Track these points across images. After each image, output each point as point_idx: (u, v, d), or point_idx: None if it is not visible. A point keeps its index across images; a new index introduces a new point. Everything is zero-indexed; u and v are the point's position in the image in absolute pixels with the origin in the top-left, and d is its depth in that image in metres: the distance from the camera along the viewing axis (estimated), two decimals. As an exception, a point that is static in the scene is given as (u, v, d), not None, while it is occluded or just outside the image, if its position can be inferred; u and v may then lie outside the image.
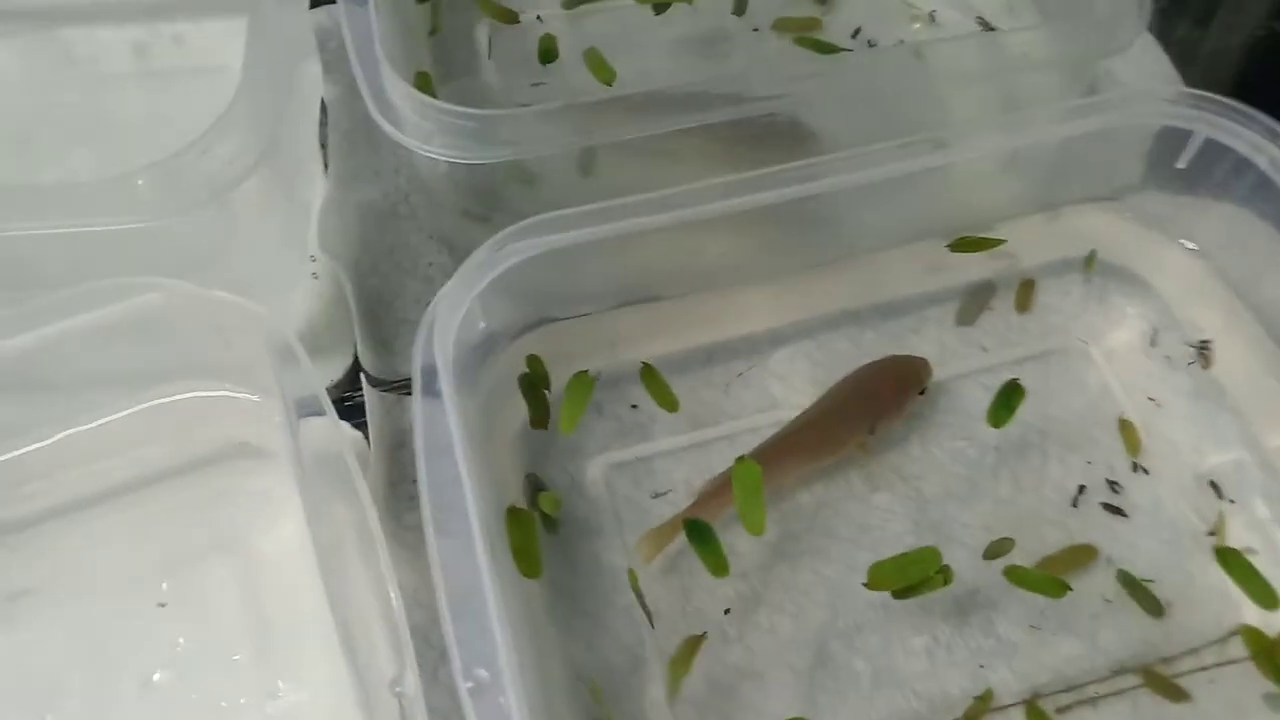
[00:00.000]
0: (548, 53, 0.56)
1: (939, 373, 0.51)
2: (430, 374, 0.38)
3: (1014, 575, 0.44)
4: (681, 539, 0.44)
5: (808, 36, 0.60)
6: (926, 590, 0.42)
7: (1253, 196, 0.47)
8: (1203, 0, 0.65)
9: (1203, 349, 0.49)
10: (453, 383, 0.38)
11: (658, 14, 0.58)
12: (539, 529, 0.43)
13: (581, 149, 0.45)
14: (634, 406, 0.50)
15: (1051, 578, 0.44)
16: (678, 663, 0.42)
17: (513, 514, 0.42)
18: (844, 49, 0.60)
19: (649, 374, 0.48)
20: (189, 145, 0.44)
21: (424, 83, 0.53)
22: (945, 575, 0.42)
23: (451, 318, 0.39)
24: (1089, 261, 0.53)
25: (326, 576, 0.34)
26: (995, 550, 0.45)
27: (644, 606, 0.43)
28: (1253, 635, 0.43)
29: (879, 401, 0.48)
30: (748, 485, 0.42)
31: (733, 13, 0.61)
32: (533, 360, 0.47)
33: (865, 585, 0.43)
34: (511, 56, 0.60)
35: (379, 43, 0.46)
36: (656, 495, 0.47)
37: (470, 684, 0.33)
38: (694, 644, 0.43)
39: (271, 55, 0.48)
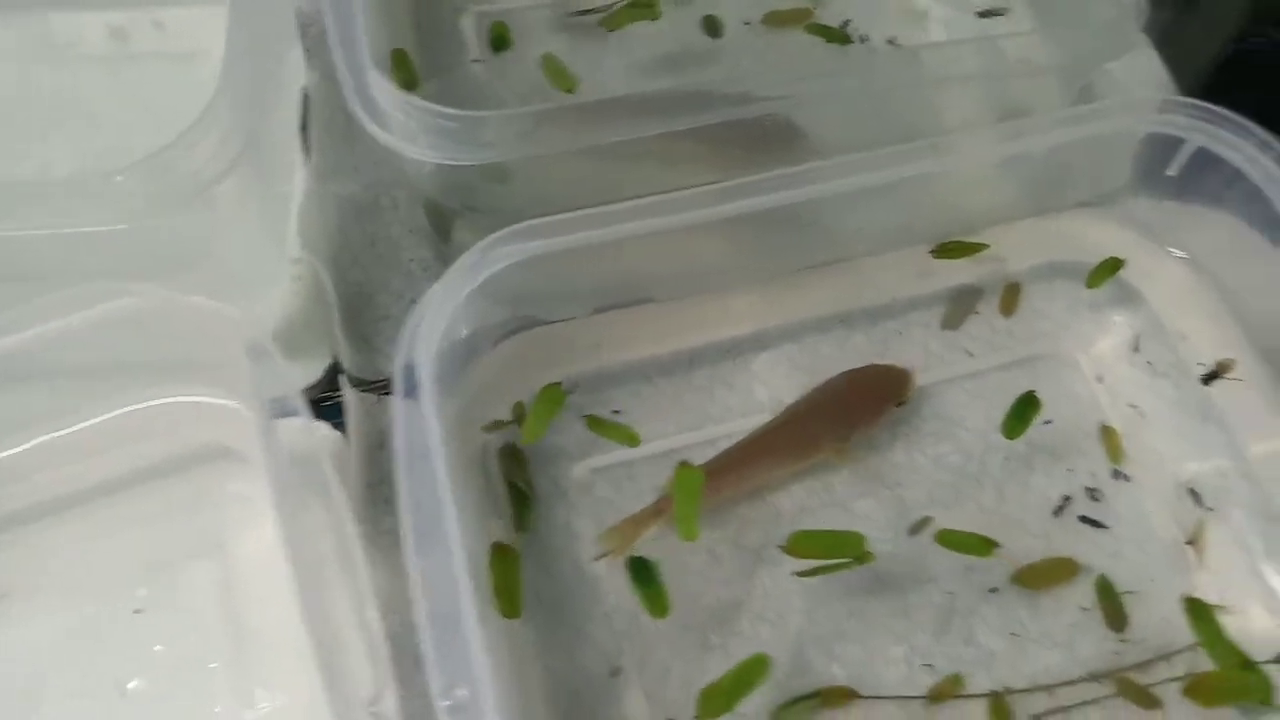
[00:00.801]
0: (500, 39, 0.55)
1: (924, 377, 0.51)
2: (411, 380, 0.38)
3: (944, 538, 0.45)
4: (655, 540, 0.44)
5: (815, 24, 0.60)
6: (839, 569, 0.43)
7: (1244, 207, 0.47)
8: (1201, 7, 0.65)
9: (1219, 370, 0.48)
10: (434, 390, 0.38)
11: (610, 31, 0.56)
12: (521, 565, 0.43)
13: (569, 152, 0.45)
14: (616, 411, 0.50)
15: (980, 538, 0.45)
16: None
17: (498, 551, 0.41)
18: (850, 40, 0.60)
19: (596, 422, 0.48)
20: (171, 142, 0.43)
21: (407, 76, 0.52)
22: (863, 558, 0.43)
23: (435, 321, 0.39)
24: (1098, 274, 0.51)
25: (301, 589, 0.34)
26: (917, 526, 0.47)
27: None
28: (1228, 651, 0.43)
29: (856, 410, 0.48)
30: (686, 490, 0.42)
31: (705, 32, 0.59)
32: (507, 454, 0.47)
33: (781, 548, 0.43)
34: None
35: (364, 40, 0.45)
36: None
37: (448, 703, 0.32)
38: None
39: (254, 44, 0.47)
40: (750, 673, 0.39)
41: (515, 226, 0.41)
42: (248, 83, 0.45)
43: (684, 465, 0.43)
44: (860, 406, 0.48)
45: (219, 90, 0.43)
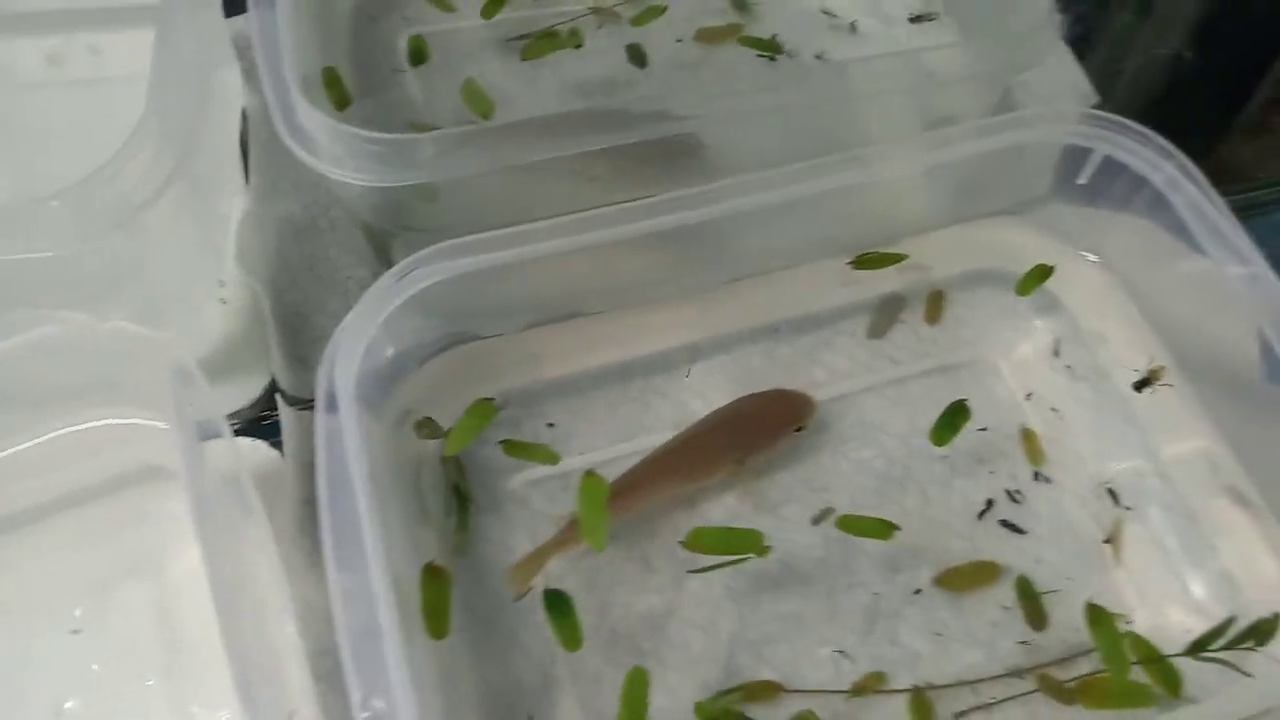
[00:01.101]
0: (418, 53, 0.56)
1: (850, 385, 0.52)
2: (332, 398, 0.39)
3: (844, 524, 0.46)
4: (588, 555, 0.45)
5: (747, 37, 0.61)
6: (735, 564, 0.44)
7: (1150, 212, 0.48)
8: (1119, 22, 0.67)
9: (1150, 378, 0.50)
10: (355, 407, 0.39)
11: (524, 60, 0.57)
12: (454, 580, 0.43)
13: (493, 170, 0.46)
14: (550, 425, 0.51)
15: (879, 521, 0.46)
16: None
17: (428, 572, 0.42)
18: (781, 51, 0.61)
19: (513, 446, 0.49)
20: (98, 168, 0.43)
21: (339, 94, 0.53)
22: (761, 552, 0.44)
23: (354, 347, 0.40)
24: (1027, 281, 0.52)
25: (219, 608, 0.35)
26: (820, 516, 0.48)
27: None
28: (1139, 644, 0.45)
29: (751, 435, 0.48)
30: (593, 500, 0.43)
31: (629, 61, 0.60)
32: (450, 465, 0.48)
33: (682, 544, 0.44)
34: (434, 69, 0.60)
35: (290, 65, 0.46)
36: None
37: (366, 714, 0.33)
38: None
39: (182, 67, 0.47)
40: (634, 689, 0.40)
41: (437, 246, 0.42)
42: (178, 105, 0.46)
43: (589, 475, 0.43)
44: (759, 430, 0.49)
45: (145, 114, 0.44)
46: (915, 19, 0.64)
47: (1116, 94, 0.63)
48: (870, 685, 0.44)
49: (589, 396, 0.51)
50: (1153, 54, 0.64)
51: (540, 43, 0.53)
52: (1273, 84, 0.67)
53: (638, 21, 0.60)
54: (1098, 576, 0.48)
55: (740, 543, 0.43)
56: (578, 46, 0.56)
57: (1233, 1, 0.69)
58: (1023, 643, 0.46)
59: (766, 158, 0.48)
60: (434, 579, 0.42)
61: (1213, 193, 0.46)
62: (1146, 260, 0.51)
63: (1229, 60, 0.67)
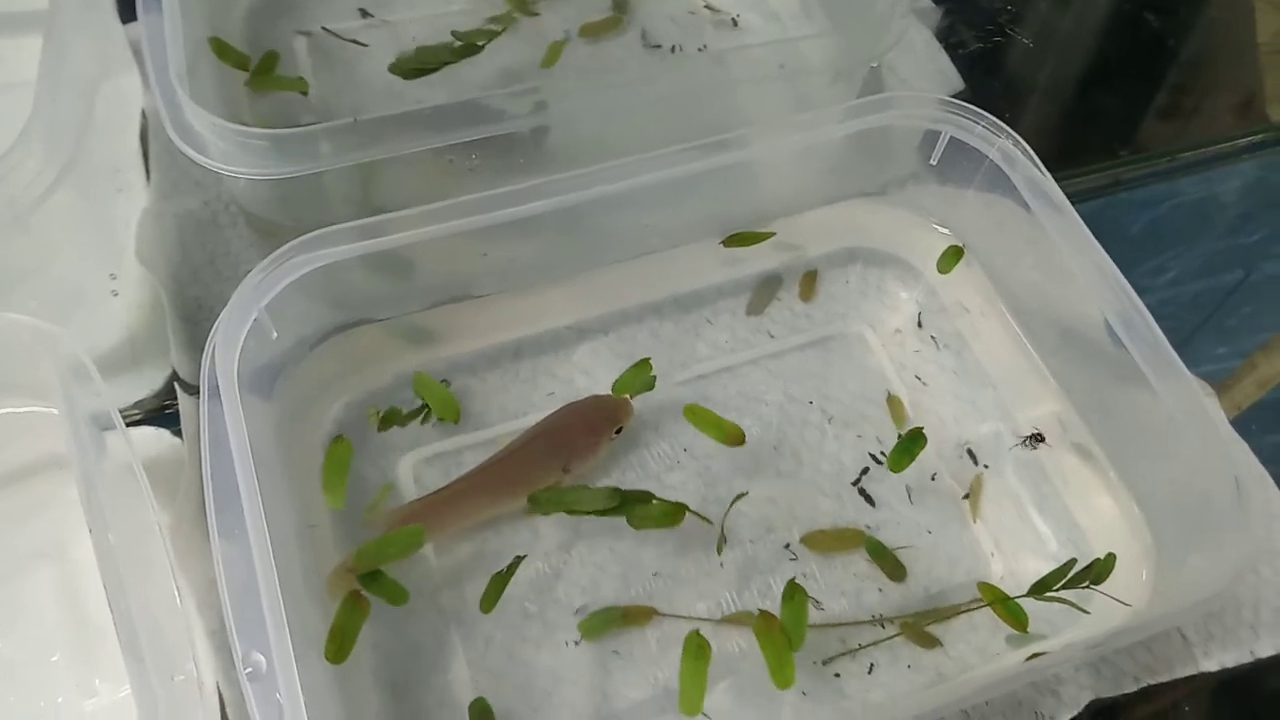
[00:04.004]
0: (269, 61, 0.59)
1: (730, 359, 0.55)
2: (214, 389, 0.41)
3: (689, 413, 0.50)
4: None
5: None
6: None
7: (992, 187, 0.52)
8: (977, 14, 0.72)
9: (1036, 439, 0.53)
10: (237, 396, 0.41)
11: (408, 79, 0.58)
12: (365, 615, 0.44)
13: (372, 161, 0.48)
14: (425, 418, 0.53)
15: (715, 418, 0.50)
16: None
17: (351, 597, 0.43)
18: (665, 46, 0.64)
19: (423, 381, 0.51)
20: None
21: (236, 58, 0.56)
22: (604, 513, 0.46)
23: (235, 333, 0.42)
24: (945, 259, 0.55)
25: (108, 587, 0.37)
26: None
27: None
28: (987, 589, 0.48)
29: (572, 443, 0.50)
30: (405, 547, 0.44)
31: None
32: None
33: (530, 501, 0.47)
34: (329, 69, 0.63)
35: (173, 65, 0.48)
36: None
37: (249, 670, 0.36)
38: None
39: (70, 72, 0.49)
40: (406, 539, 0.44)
41: (311, 234, 0.44)
42: (66, 108, 0.48)
43: (338, 440, 0.46)
44: (579, 439, 0.50)
45: (32, 117, 0.45)
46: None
47: (977, 79, 0.67)
48: (740, 618, 0.48)
49: (481, 377, 0.54)
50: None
51: (422, 52, 0.56)
52: (1179, 70, 0.73)
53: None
54: (957, 529, 0.52)
55: (588, 501, 0.46)
56: (304, 92, 0.59)
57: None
58: (887, 593, 0.50)
59: (647, 146, 0.51)
60: (351, 606, 0.43)
61: (1042, 166, 0.49)
62: (995, 233, 0.55)
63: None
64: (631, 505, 0.47)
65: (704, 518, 0.48)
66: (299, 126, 0.47)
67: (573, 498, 0.46)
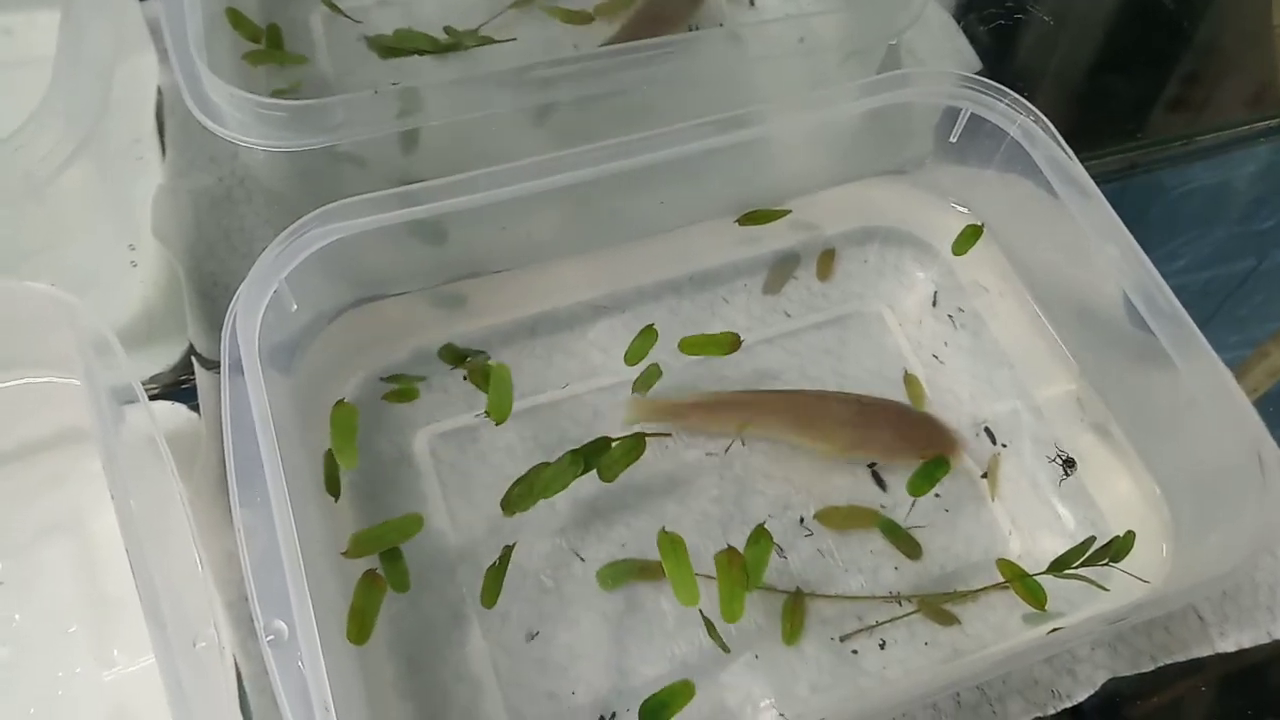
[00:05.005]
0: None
1: (747, 337, 0.55)
2: (235, 362, 0.41)
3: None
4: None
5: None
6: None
7: (1012, 165, 0.52)
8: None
9: (1067, 465, 0.53)
10: (258, 368, 0.41)
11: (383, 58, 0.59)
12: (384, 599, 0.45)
13: (400, 132, 0.48)
14: (464, 377, 0.53)
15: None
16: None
17: (367, 579, 0.44)
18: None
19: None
20: (2, 141, 0.45)
21: (250, 30, 0.56)
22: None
23: (254, 306, 0.42)
24: (961, 240, 0.55)
25: (132, 560, 0.37)
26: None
27: None
28: (1006, 566, 0.48)
29: (880, 436, 0.51)
30: (403, 533, 0.46)
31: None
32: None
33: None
34: (346, 45, 0.62)
35: (192, 37, 0.48)
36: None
37: (270, 637, 0.36)
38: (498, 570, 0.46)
39: (88, 47, 0.49)
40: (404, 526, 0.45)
41: (330, 206, 0.44)
42: (84, 83, 0.48)
43: (340, 405, 0.46)
44: (890, 438, 0.51)
45: (50, 91, 0.45)
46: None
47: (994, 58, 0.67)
48: (756, 583, 0.47)
49: (497, 352, 0.54)
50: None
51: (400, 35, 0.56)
52: (1194, 54, 0.73)
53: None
54: (975, 507, 0.52)
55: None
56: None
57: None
58: (897, 568, 0.50)
59: (663, 125, 0.51)
60: (368, 586, 0.44)
61: (1064, 143, 0.49)
62: (1014, 212, 0.55)
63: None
64: (596, 457, 0.47)
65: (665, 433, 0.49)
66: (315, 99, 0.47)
67: (541, 485, 0.46)
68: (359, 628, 0.43)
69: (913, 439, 0.52)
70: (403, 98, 0.48)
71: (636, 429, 0.50)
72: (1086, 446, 0.53)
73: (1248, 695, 0.51)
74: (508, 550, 0.46)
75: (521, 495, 0.46)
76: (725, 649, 0.46)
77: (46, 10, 0.59)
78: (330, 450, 0.46)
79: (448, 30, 0.59)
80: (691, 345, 0.52)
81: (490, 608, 0.46)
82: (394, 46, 0.56)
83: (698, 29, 0.64)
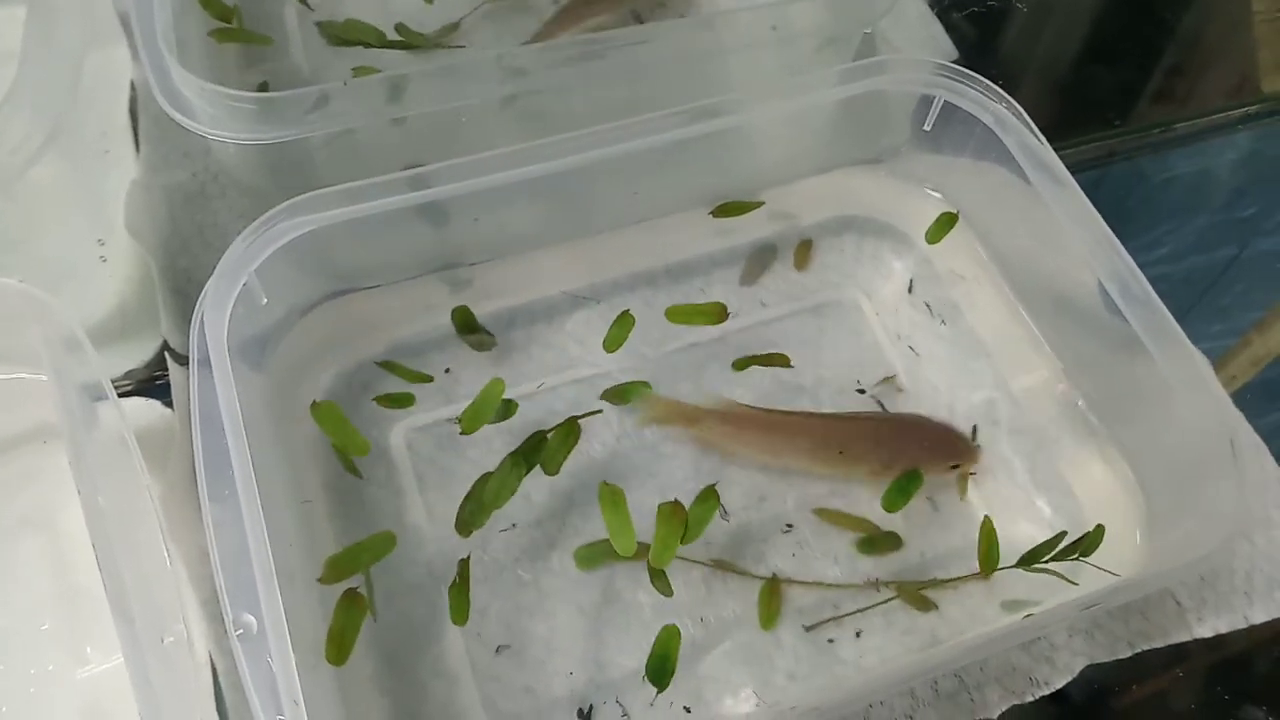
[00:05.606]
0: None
1: (725, 328, 0.55)
2: (204, 356, 0.40)
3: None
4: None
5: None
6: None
7: (986, 153, 0.52)
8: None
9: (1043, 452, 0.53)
10: (227, 362, 0.40)
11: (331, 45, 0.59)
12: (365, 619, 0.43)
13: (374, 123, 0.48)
14: (448, 370, 0.53)
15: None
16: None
17: (347, 597, 0.42)
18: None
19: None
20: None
21: (219, 9, 0.55)
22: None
23: (223, 299, 0.41)
24: (935, 229, 0.55)
25: (99, 555, 0.37)
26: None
27: None
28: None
29: (905, 450, 0.50)
30: (377, 553, 0.44)
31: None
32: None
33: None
34: (319, 38, 0.62)
35: (160, 29, 0.48)
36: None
37: (240, 631, 0.35)
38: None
39: (57, 37, 0.48)
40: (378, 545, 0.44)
41: (298, 198, 0.44)
42: (51, 78, 0.47)
43: (316, 405, 0.46)
44: (913, 450, 0.50)
45: (15, 86, 0.45)
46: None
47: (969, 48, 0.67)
48: (730, 566, 0.48)
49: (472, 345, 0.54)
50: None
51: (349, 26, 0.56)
52: (1173, 42, 0.73)
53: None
54: (952, 494, 0.52)
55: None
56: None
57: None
58: (882, 559, 0.50)
59: (635, 114, 0.51)
60: (348, 606, 0.42)
61: (1037, 131, 0.49)
62: (990, 200, 0.55)
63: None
64: (535, 454, 0.47)
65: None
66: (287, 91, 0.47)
67: (490, 497, 0.45)
68: (338, 649, 0.42)
69: (940, 453, 0.51)
70: (375, 89, 0.48)
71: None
72: (1062, 433, 0.53)
73: (1225, 680, 0.51)
74: (464, 564, 0.45)
75: (474, 512, 0.46)
76: (668, 592, 0.45)
77: (16, 4, 0.59)
78: (335, 445, 0.47)
79: (399, 28, 0.59)
80: (678, 314, 0.52)
81: (462, 624, 0.45)
82: (342, 37, 0.56)
83: (638, 15, 0.64)
